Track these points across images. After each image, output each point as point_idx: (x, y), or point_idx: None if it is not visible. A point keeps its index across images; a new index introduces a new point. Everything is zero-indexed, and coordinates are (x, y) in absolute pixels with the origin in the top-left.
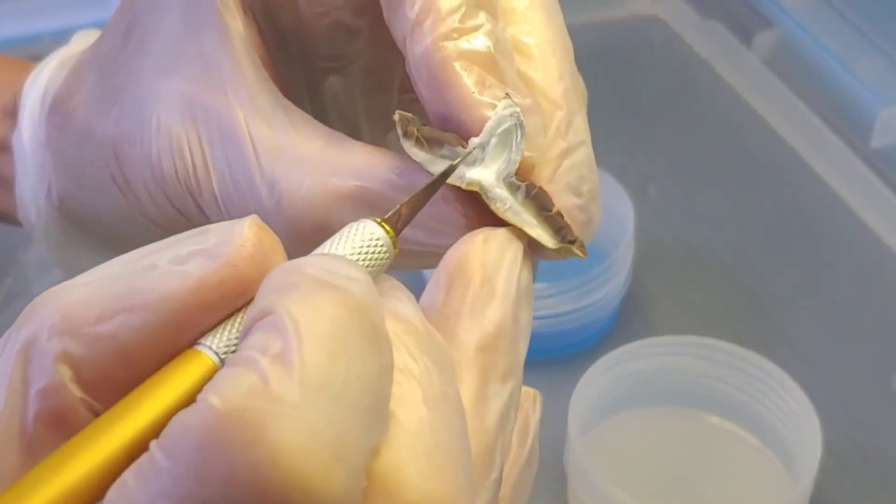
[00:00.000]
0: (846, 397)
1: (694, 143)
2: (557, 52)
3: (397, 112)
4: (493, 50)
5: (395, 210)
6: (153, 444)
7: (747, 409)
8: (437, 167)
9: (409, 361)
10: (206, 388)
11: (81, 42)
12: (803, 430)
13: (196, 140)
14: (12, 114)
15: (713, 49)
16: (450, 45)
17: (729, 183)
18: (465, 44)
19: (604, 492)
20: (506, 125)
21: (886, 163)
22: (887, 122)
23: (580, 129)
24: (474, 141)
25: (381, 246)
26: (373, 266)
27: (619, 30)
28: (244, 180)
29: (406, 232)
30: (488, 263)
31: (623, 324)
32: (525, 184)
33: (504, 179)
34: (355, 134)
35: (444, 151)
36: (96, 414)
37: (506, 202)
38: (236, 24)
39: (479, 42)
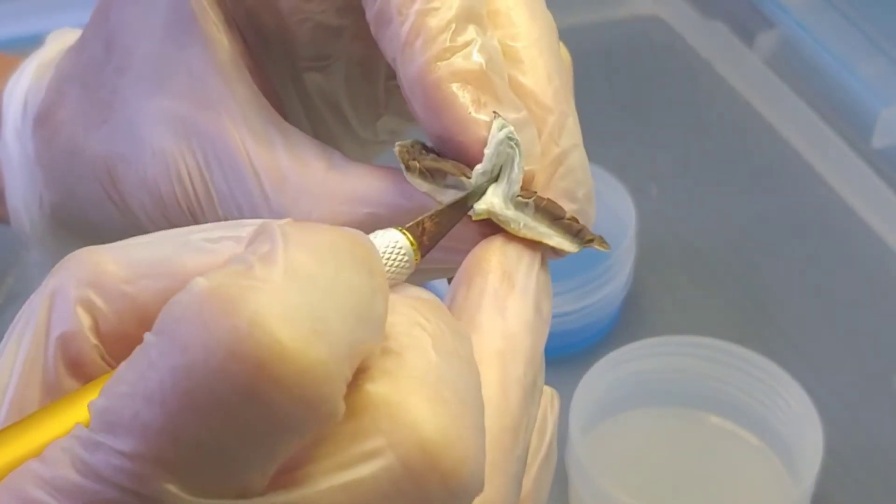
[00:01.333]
0: (847, 397)
1: (695, 143)
2: (544, 50)
3: (397, 145)
4: (485, 67)
5: (417, 221)
6: (145, 333)
7: (748, 409)
8: (444, 196)
9: (421, 320)
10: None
11: (56, 44)
12: (804, 430)
13: (194, 164)
14: None
15: (714, 49)
16: (443, 65)
17: (730, 183)
18: (457, 62)
19: (604, 492)
20: (503, 148)
21: (887, 163)
22: (888, 122)
23: (572, 131)
24: (478, 170)
25: (403, 254)
26: (394, 271)
27: (620, 30)
28: (248, 207)
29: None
30: (507, 261)
31: (624, 324)
32: (532, 199)
33: (511, 200)
34: (345, 124)
35: (448, 181)
36: (110, 365)
37: (519, 221)
38: (221, 38)
39: (471, 60)
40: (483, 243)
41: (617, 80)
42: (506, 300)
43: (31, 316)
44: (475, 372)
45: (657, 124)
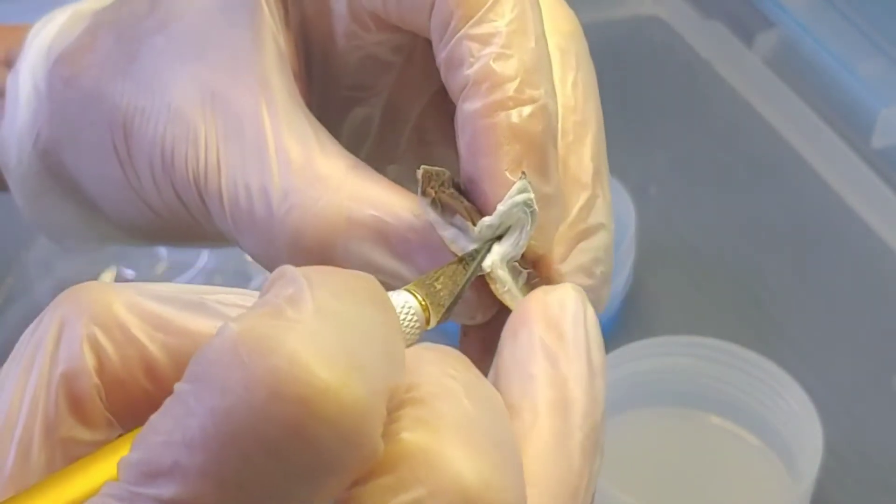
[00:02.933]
0: (847, 397)
1: (695, 143)
2: (592, 129)
3: (423, 167)
4: (541, 134)
5: (424, 281)
6: (175, 384)
7: (748, 409)
8: (445, 233)
9: (450, 371)
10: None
11: (95, 1)
12: (804, 430)
13: (213, 133)
14: (8, 63)
15: (714, 49)
16: (503, 115)
17: (730, 183)
18: (518, 118)
19: (604, 492)
20: (516, 211)
21: (887, 163)
22: (888, 122)
23: (601, 211)
24: (485, 222)
25: (413, 315)
26: (406, 333)
27: (620, 30)
28: (256, 183)
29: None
30: (552, 313)
31: (624, 324)
32: (528, 271)
33: (508, 262)
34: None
35: (456, 221)
36: (107, 408)
37: (505, 284)
38: (275, 30)
39: (532, 120)
40: (529, 297)
41: (616, 79)
42: (555, 351)
43: (38, 347)
44: (508, 421)
45: (657, 124)
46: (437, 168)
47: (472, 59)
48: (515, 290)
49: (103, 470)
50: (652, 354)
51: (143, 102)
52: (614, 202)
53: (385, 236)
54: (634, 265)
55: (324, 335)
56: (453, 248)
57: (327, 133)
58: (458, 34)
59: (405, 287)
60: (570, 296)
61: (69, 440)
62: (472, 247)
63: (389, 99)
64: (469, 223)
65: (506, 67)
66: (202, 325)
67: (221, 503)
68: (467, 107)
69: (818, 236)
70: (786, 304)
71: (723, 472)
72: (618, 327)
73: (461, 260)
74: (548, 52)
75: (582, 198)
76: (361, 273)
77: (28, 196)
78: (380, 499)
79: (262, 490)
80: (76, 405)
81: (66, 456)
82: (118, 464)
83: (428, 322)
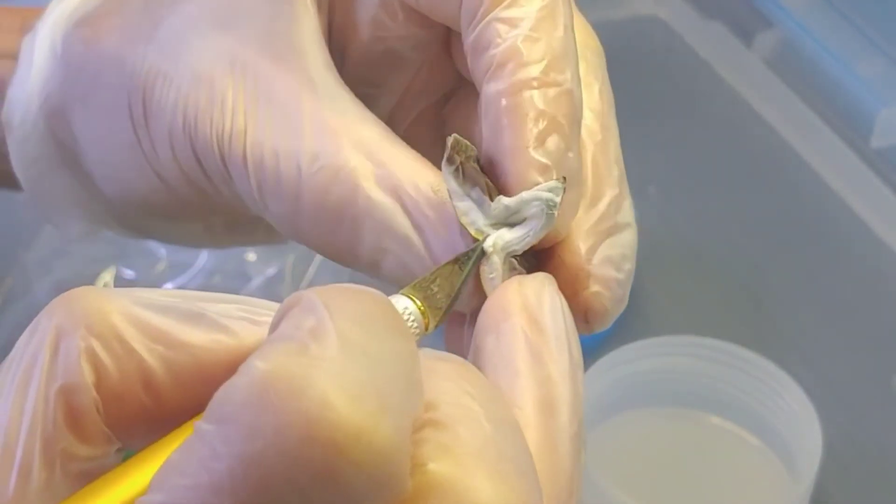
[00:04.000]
0: (846, 397)
1: (694, 143)
2: (615, 137)
3: (454, 135)
4: (565, 115)
5: (420, 283)
6: (196, 423)
7: (748, 409)
8: (461, 203)
9: (468, 388)
10: (245, 361)
11: None
12: (803, 430)
13: (241, 98)
14: (25, 31)
15: (714, 49)
16: (527, 94)
17: (729, 183)
18: (540, 98)
19: (604, 492)
20: (539, 205)
21: (887, 163)
22: (888, 122)
23: (628, 212)
24: (503, 200)
25: (413, 320)
26: None
27: (619, 30)
28: (285, 146)
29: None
30: (531, 306)
31: (623, 324)
32: (524, 269)
33: (507, 252)
34: None
35: (474, 194)
36: (105, 422)
37: (493, 272)
38: (310, 8)
39: (560, 102)
40: (501, 290)
41: (616, 80)
42: (539, 347)
43: (35, 360)
44: (523, 437)
45: (656, 124)
46: (466, 141)
47: (499, 41)
48: (498, 281)
49: (110, 500)
50: (652, 354)
51: (167, 67)
52: None
53: (405, 203)
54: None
55: (352, 373)
56: (464, 220)
57: (361, 103)
58: (488, 17)
59: (402, 291)
60: (545, 287)
61: (67, 456)
62: (483, 222)
63: (394, 103)
64: (486, 198)
65: (533, 49)
66: (202, 338)
67: None
68: (492, 87)
69: (818, 236)
70: (786, 304)
71: (723, 472)
72: (618, 327)
73: (456, 261)
74: (575, 44)
75: (610, 195)
76: (374, 292)
77: (25, 160)
78: None
79: None
80: (74, 420)
81: (64, 473)
82: (137, 503)
83: (427, 327)
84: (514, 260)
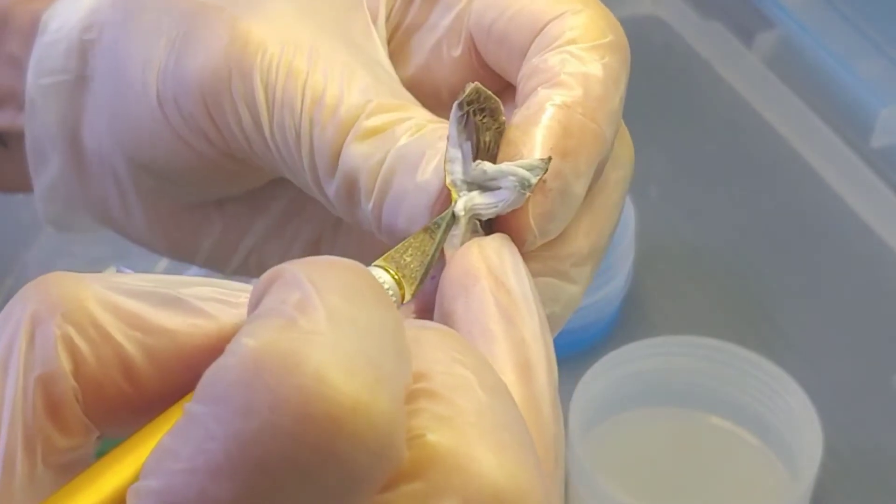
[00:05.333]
0: (846, 397)
1: (695, 143)
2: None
3: (475, 84)
4: (591, 146)
5: (393, 255)
6: (185, 405)
7: (748, 409)
8: (452, 150)
9: (457, 356)
10: (232, 339)
11: None
12: (804, 430)
13: (291, 52)
14: None
15: (714, 49)
16: (575, 111)
17: (729, 183)
18: (580, 121)
19: (605, 492)
20: (513, 180)
21: (887, 163)
22: (887, 121)
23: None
24: (484, 165)
25: (388, 290)
26: None
27: None
28: (336, 86)
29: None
30: (495, 268)
31: (623, 324)
32: (480, 237)
33: (471, 214)
34: None
35: (465, 147)
36: (85, 411)
37: (458, 229)
38: (378, 21)
39: (590, 134)
40: (462, 254)
41: None
42: (509, 309)
43: (11, 349)
44: (515, 404)
45: (656, 124)
46: (488, 92)
47: (567, 69)
48: (457, 241)
49: (102, 489)
50: (652, 354)
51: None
52: None
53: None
54: (634, 265)
55: (344, 346)
56: (447, 166)
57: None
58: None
59: (376, 263)
60: (504, 247)
61: (48, 448)
62: (459, 177)
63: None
64: (471, 157)
65: (595, 88)
66: (180, 322)
67: None
68: (546, 90)
69: (818, 236)
70: (785, 304)
71: (723, 472)
72: (618, 328)
73: (427, 230)
74: (621, 120)
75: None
76: (353, 262)
77: (43, 67)
78: None
79: None
80: (53, 410)
81: (45, 465)
82: (131, 490)
83: (403, 298)
84: (477, 222)
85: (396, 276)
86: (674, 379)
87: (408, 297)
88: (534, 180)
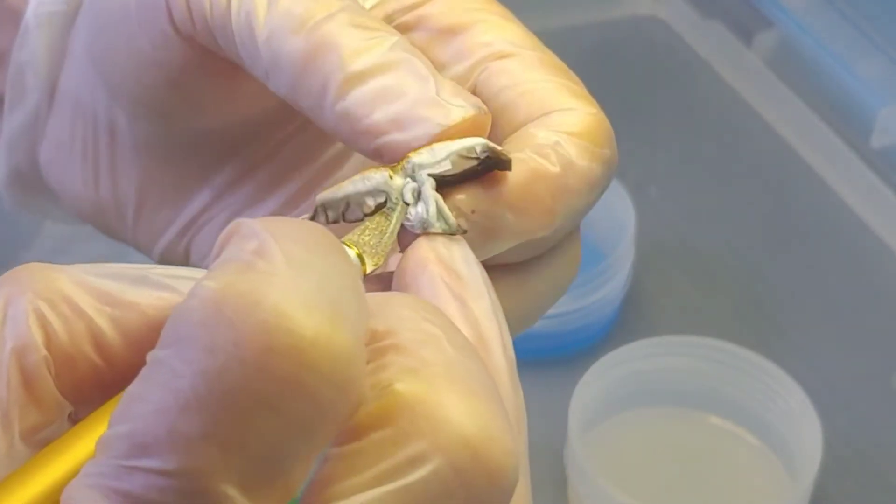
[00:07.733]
0: (846, 397)
1: (694, 143)
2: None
3: (319, 197)
4: (563, 197)
5: (350, 238)
6: (148, 353)
7: (747, 409)
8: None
9: (426, 315)
10: (194, 285)
11: None
12: (803, 430)
13: None
14: None
15: (713, 49)
16: (554, 163)
17: (729, 183)
18: (559, 174)
19: (604, 492)
20: (457, 145)
21: (886, 163)
22: (887, 121)
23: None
24: (414, 157)
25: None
26: None
27: (619, 30)
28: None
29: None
30: (444, 257)
31: (623, 324)
32: (439, 201)
33: (424, 171)
34: None
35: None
36: (57, 385)
37: (416, 215)
38: None
39: (568, 188)
40: (413, 246)
41: (616, 80)
42: (459, 291)
43: None
44: (485, 365)
45: (656, 124)
46: (341, 195)
47: (555, 147)
48: (420, 210)
49: (75, 455)
50: (652, 354)
51: None
52: (614, 202)
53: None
54: (634, 265)
55: (303, 285)
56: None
57: None
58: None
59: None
60: (454, 241)
61: (23, 422)
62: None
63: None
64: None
65: (572, 175)
66: (149, 296)
67: (225, 465)
68: (535, 129)
69: (817, 236)
70: (785, 304)
71: (723, 472)
72: (617, 327)
73: (383, 213)
74: (578, 233)
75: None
76: (312, 223)
77: (42, 22)
78: (381, 453)
79: (264, 446)
80: (27, 384)
81: (21, 439)
82: (99, 441)
83: (364, 271)
84: (438, 202)
85: (358, 252)
86: (673, 379)
87: (369, 267)
88: (478, 148)
